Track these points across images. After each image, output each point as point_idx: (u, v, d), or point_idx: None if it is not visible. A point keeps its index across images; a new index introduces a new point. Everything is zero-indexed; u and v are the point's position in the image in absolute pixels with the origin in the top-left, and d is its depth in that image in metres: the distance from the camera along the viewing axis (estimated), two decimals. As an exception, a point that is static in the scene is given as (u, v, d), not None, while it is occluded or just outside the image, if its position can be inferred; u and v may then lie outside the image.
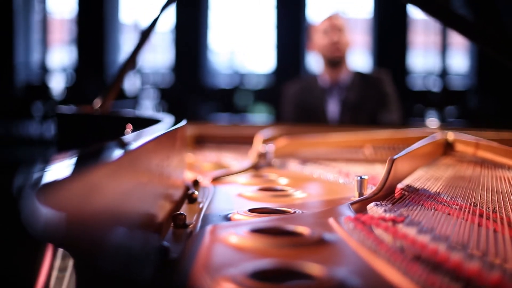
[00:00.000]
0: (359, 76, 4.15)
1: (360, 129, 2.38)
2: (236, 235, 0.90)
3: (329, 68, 4.09)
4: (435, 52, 12.67)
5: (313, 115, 4.07)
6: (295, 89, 4.22)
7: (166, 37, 13.43)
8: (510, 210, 1.18)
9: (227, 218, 1.12)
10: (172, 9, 10.97)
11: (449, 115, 10.56)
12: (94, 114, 2.23)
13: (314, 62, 12.36)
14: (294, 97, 4.17)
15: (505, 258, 0.83)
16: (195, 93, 11.92)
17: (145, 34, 2.36)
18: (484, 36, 1.74)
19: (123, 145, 0.97)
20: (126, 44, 13.42)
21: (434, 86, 12.16)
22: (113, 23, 13.27)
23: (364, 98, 4.04)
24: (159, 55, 13.70)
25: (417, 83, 12.22)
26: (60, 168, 0.69)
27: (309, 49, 4.27)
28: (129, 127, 1.77)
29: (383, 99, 4.07)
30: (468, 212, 1.12)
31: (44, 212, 0.56)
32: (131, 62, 2.35)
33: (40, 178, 0.64)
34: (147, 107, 11.83)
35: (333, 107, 4.09)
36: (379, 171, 1.80)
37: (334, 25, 4.05)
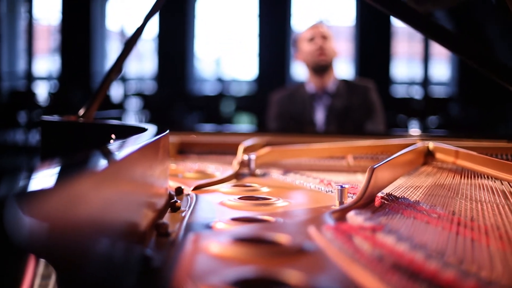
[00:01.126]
0: (345, 83, 4.19)
1: (344, 138, 2.40)
2: (218, 244, 0.91)
3: (316, 75, 4.12)
4: (418, 61, 12.76)
5: (301, 122, 4.10)
6: (283, 96, 4.24)
7: (150, 45, 13.43)
8: (487, 218, 1.20)
9: (209, 227, 1.13)
10: (156, 17, 10.96)
11: (431, 124, 10.63)
12: (78, 123, 2.23)
13: (299, 71, 12.43)
14: (282, 104, 4.20)
15: (481, 266, 0.85)
16: (179, 101, 11.91)
17: (130, 42, 2.36)
18: (464, 47, 1.76)
19: (106, 155, 0.98)
20: (112, 52, 13.41)
21: (417, 95, 12.25)
22: (99, 30, 13.25)
23: (351, 106, 4.08)
24: (143, 63, 13.69)
25: (400, 92, 12.30)
26: (44, 178, 0.70)
27: (296, 59, 4.29)
28: (113, 137, 1.77)
29: (369, 107, 4.11)
30: (447, 220, 1.13)
31: (28, 222, 0.57)
32: (116, 70, 2.36)
33: (24, 187, 0.65)
34: (131, 116, 11.82)
35: (320, 114, 4.12)
36: (360, 180, 1.82)
37: (319, 32, 4.09)
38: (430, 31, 1.86)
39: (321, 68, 4.08)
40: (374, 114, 4.11)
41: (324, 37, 4.11)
